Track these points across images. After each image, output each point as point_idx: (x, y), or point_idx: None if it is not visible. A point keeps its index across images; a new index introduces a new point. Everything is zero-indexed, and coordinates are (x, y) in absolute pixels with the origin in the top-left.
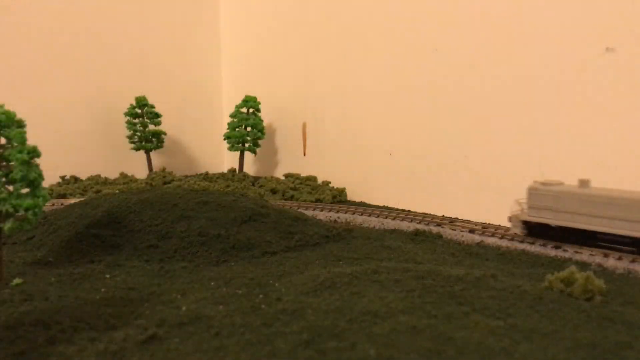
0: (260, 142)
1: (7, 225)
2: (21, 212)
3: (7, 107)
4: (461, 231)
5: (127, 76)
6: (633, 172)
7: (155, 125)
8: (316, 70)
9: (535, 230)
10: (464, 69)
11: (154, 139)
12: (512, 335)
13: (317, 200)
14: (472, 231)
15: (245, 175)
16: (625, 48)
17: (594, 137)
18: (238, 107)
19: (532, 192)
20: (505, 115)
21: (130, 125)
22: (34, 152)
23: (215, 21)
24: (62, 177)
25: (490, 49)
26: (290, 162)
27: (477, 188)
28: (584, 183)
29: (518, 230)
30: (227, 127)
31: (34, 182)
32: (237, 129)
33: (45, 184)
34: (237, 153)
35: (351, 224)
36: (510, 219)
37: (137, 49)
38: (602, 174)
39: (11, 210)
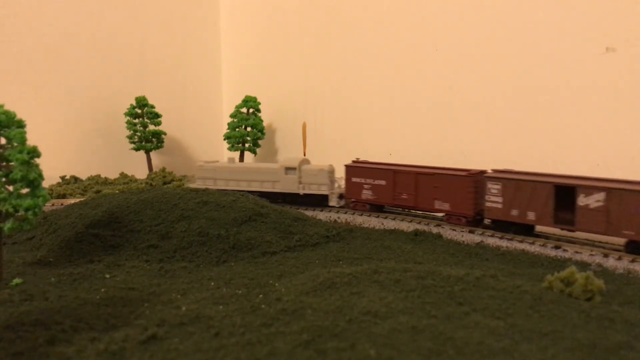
0: (260, 142)
1: (7, 225)
2: (21, 212)
3: (7, 107)
4: (461, 231)
5: (127, 76)
6: (633, 171)
7: (155, 125)
8: (316, 70)
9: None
10: (464, 69)
11: (154, 139)
12: (512, 335)
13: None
14: (472, 231)
15: None
16: (625, 48)
17: (594, 137)
18: (238, 107)
19: (200, 167)
20: (505, 115)
21: (130, 125)
22: (34, 152)
23: (215, 21)
24: (62, 177)
25: (491, 49)
26: None
27: None
28: (231, 160)
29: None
30: (227, 127)
31: (34, 182)
32: (237, 129)
33: (45, 184)
34: (237, 153)
35: (351, 224)
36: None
37: (137, 49)
38: (602, 173)
39: (11, 210)
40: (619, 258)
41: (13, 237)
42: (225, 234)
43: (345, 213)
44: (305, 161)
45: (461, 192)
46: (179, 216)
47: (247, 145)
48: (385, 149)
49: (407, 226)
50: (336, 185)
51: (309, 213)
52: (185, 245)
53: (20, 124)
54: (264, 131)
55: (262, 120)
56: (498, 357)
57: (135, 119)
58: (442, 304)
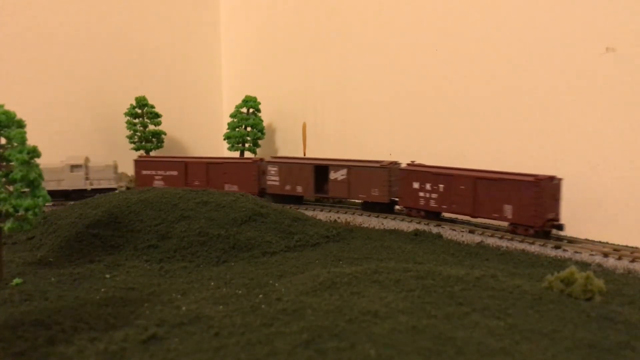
0: (260, 142)
1: (7, 225)
2: (21, 212)
3: (7, 107)
4: (461, 231)
5: (127, 76)
6: (633, 171)
7: (155, 125)
8: (316, 70)
9: None
10: (464, 69)
11: (154, 139)
12: (512, 335)
13: (317, 200)
14: (472, 231)
15: None
16: (625, 48)
17: (594, 137)
18: (238, 107)
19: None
20: (504, 115)
21: (130, 125)
22: (34, 152)
23: (215, 21)
24: None
25: (491, 49)
26: None
27: None
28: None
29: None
30: (227, 127)
31: (34, 182)
32: (237, 129)
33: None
34: (237, 153)
35: (351, 224)
36: None
37: (137, 49)
38: (602, 173)
39: (11, 210)
40: (619, 258)
41: (13, 237)
42: (225, 234)
43: (345, 213)
44: (88, 159)
45: (247, 176)
46: (179, 216)
47: (247, 145)
48: (385, 149)
49: (407, 226)
50: (124, 180)
51: (309, 213)
52: (185, 245)
53: (20, 124)
54: (264, 131)
55: (262, 120)
56: (498, 357)
57: (135, 119)
58: (442, 304)
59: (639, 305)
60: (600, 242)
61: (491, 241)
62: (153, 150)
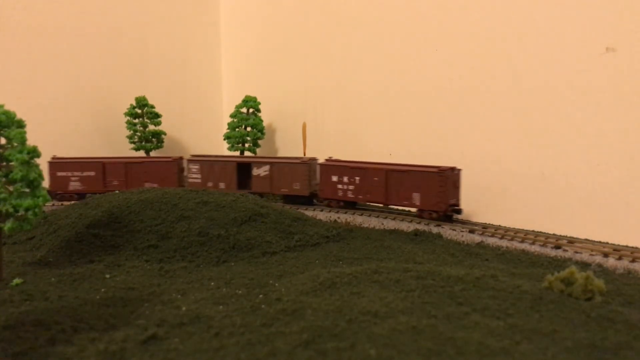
0: (260, 142)
1: (7, 225)
2: (21, 212)
3: (7, 107)
4: (461, 231)
5: (127, 76)
6: (633, 171)
7: (155, 125)
8: (316, 70)
9: None
10: (463, 69)
11: (154, 139)
12: (512, 335)
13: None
14: (472, 231)
15: None
16: (625, 48)
17: (594, 136)
18: (238, 107)
19: None
20: (504, 115)
21: (130, 125)
22: (34, 152)
23: (215, 21)
24: None
25: (491, 49)
26: None
27: (475, 187)
28: None
29: None
30: (227, 127)
31: (34, 182)
32: (237, 129)
33: (46, 184)
34: (237, 153)
35: (351, 224)
36: None
37: (137, 49)
38: (602, 173)
39: (11, 210)
40: (619, 258)
41: (13, 237)
42: (225, 234)
43: (345, 213)
44: None
45: (168, 174)
46: (179, 216)
47: (247, 145)
48: (385, 149)
49: (407, 226)
50: None
51: (309, 213)
52: (185, 245)
53: (20, 124)
54: (264, 131)
55: (262, 120)
56: (498, 357)
57: (135, 119)
58: (442, 304)
59: (639, 305)
60: (600, 242)
61: (491, 241)
62: (153, 150)
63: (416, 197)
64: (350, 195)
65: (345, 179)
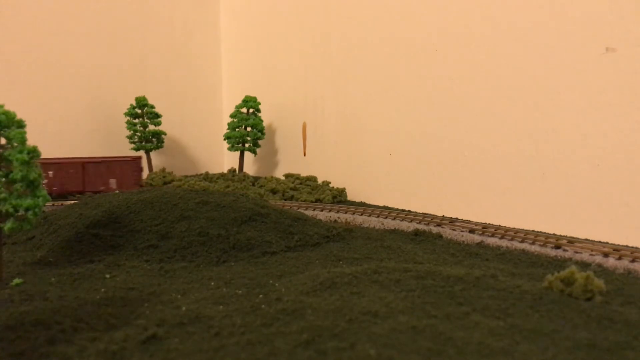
0: (260, 142)
1: (7, 225)
2: (21, 212)
3: (7, 107)
4: (461, 231)
5: (127, 76)
6: (633, 171)
7: (155, 125)
8: (316, 70)
9: None
10: (463, 69)
11: (154, 139)
12: (512, 335)
13: (317, 200)
14: (472, 231)
15: (246, 176)
16: (625, 48)
17: (594, 137)
18: (238, 107)
19: None
20: (504, 115)
21: (130, 125)
22: (34, 152)
23: (215, 21)
24: None
25: (491, 49)
26: (290, 162)
27: (477, 187)
28: None
29: None
30: (227, 127)
31: (34, 182)
32: (237, 129)
33: None
34: (237, 153)
35: (351, 224)
36: None
37: (137, 49)
38: (602, 173)
39: (11, 210)
40: (619, 258)
41: (13, 237)
42: (225, 234)
43: (345, 213)
44: None
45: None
46: (179, 216)
47: (247, 145)
48: (385, 149)
49: (407, 226)
50: None
51: (309, 213)
52: (185, 245)
53: (20, 124)
54: (264, 131)
55: (262, 120)
56: (498, 357)
57: (135, 119)
58: (442, 304)
59: (639, 305)
60: (600, 242)
61: (491, 241)
62: (153, 150)
63: (113, 182)
64: (53, 188)
65: (50, 174)
